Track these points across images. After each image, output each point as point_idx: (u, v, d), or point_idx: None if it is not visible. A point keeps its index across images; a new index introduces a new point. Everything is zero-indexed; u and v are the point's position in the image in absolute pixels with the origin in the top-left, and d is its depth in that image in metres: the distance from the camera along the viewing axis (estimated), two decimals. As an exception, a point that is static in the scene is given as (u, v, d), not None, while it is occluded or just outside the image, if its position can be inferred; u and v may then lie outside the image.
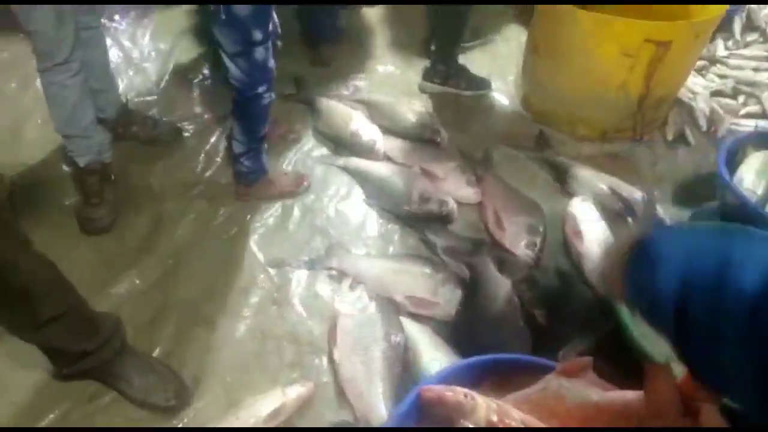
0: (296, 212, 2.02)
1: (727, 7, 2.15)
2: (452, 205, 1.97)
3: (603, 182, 2.06)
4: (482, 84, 2.61)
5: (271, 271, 1.81)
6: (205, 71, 2.65)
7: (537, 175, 2.21)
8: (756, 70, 2.65)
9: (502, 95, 2.61)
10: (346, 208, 2.05)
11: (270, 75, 1.84)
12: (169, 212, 1.99)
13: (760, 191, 1.58)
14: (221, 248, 1.89)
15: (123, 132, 2.21)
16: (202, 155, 2.24)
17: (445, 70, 2.57)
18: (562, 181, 2.13)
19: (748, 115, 2.43)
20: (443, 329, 1.61)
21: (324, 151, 2.29)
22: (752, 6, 2.97)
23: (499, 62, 2.82)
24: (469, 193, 2.05)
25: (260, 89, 1.85)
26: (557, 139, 2.36)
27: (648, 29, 2.01)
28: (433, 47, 2.63)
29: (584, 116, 2.32)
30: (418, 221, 1.96)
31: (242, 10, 1.64)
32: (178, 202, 2.04)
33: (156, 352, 1.57)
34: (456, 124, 2.40)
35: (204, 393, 1.49)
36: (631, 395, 0.96)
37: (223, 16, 1.64)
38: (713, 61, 2.70)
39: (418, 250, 1.90)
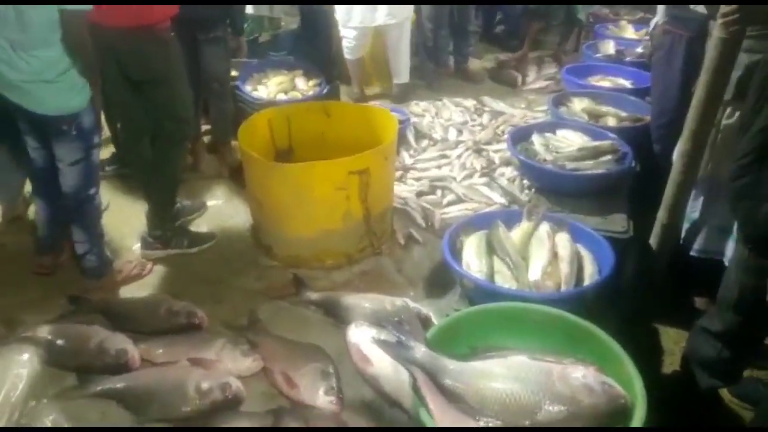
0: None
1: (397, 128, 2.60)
2: (236, 384, 1.83)
3: (366, 302, 2.17)
4: (206, 238, 2.65)
5: None
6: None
7: (307, 317, 2.22)
8: (438, 167, 3.22)
9: (246, 252, 2.62)
10: (115, 440, 1.74)
11: (99, 175, 2.22)
12: None
13: (485, 269, 1.87)
14: None
15: None
16: None
17: (162, 235, 2.55)
18: (333, 314, 2.18)
19: (450, 204, 2.91)
20: None
21: (65, 384, 1.93)
22: (415, 119, 3.66)
23: (230, 222, 2.85)
24: (248, 364, 1.93)
25: (92, 190, 2.17)
26: (311, 276, 2.43)
27: (347, 164, 2.29)
28: (147, 214, 2.59)
29: (326, 249, 2.46)
30: (206, 417, 1.76)
31: (88, 121, 2.02)
32: None
33: None
34: (209, 299, 2.30)
35: None
36: None
37: (74, 131, 1.99)
38: (406, 169, 3.20)
39: (217, 450, 1.69)
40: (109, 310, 2.19)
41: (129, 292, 2.37)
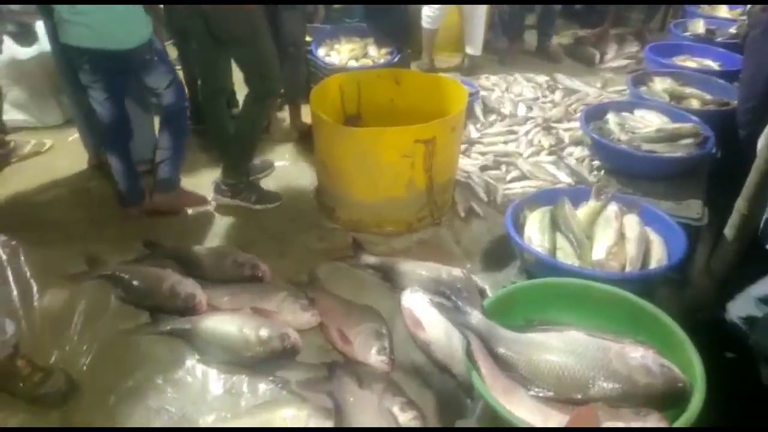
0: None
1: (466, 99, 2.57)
2: (294, 335, 1.92)
3: (423, 269, 2.19)
4: (273, 198, 2.73)
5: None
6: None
7: (364, 280, 2.27)
8: (505, 142, 3.17)
9: (309, 213, 2.69)
10: (181, 375, 1.86)
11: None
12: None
13: (547, 245, 1.84)
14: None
15: None
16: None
17: (234, 185, 2.64)
18: (389, 278, 2.23)
19: (513, 180, 2.86)
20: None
21: (139, 321, 2.08)
22: (484, 93, 3.60)
23: (295, 183, 2.93)
24: (306, 318, 2.02)
25: (185, 103, 2.48)
26: (370, 241, 2.48)
27: (414, 132, 2.30)
28: (222, 163, 2.69)
29: (387, 216, 2.50)
30: (264, 363, 1.86)
31: (159, 46, 2.25)
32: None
33: None
34: (272, 253, 2.39)
35: None
36: None
37: (156, 57, 2.23)
38: (472, 142, 3.17)
39: (272, 394, 1.78)
40: (181, 257, 2.32)
41: (198, 241, 2.50)
